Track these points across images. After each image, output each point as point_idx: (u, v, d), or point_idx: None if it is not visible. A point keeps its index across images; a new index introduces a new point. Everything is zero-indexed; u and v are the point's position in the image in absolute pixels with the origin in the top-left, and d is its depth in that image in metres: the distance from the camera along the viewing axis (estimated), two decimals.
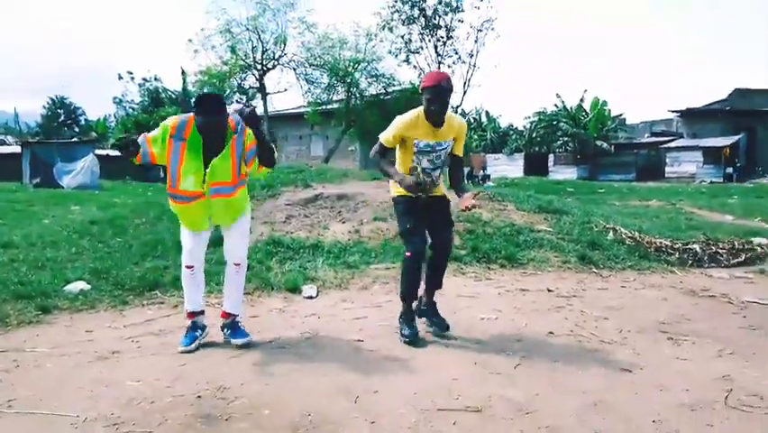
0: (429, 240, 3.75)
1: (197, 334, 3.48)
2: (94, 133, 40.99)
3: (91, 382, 2.86)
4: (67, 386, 2.80)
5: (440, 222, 3.77)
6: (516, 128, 43.33)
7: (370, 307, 4.46)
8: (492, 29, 22.99)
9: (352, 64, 21.40)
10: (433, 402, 2.63)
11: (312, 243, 6.14)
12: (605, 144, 33.81)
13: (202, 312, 3.60)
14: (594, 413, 2.56)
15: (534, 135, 39.62)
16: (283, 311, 4.36)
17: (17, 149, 28.61)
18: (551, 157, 35.95)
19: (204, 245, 3.57)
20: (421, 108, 3.55)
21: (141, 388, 2.78)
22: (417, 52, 23.04)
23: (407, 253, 3.65)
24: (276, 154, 3.54)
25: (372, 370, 3.09)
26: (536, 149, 38.68)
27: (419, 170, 3.58)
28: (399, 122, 3.56)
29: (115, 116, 45.18)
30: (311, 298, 4.73)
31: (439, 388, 2.81)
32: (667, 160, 31.59)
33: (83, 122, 49.68)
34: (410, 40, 22.93)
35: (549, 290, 5.03)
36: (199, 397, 2.66)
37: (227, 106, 3.25)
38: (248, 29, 21.34)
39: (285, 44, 21.56)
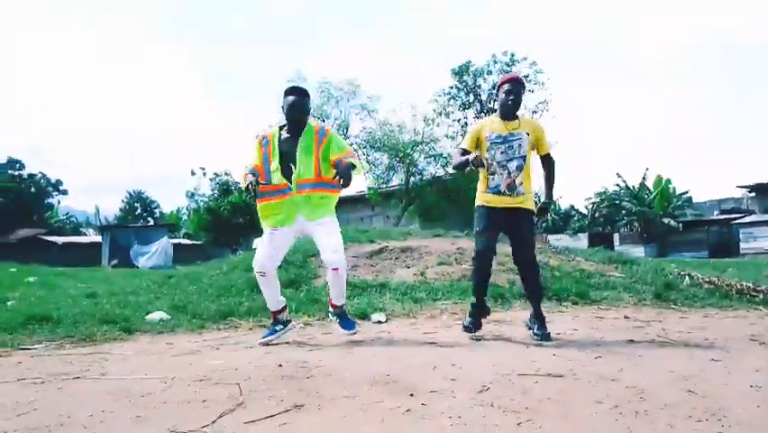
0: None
1: (278, 328, 3.68)
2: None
3: (175, 363, 2.98)
4: (153, 367, 2.91)
5: (518, 239, 3.88)
6: (578, 209, 42.66)
7: (441, 328, 4.43)
8: (547, 110, 23.36)
9: (410, 146, 22.14)
10: (512, 370, 2.57)
11: (379, 282, 6.22)
12: (672, 222, 32.59)
13: (284, 308, 3.79)
14: (685, 381, 2.43)
15: (596, 216, 38.86)
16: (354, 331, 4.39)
17: (97, 238, 30.55)
18: (616, 236, 34.94)
19: (278, 252, 3.69)
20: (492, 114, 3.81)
21: (224, 362, 2.87)
22: None
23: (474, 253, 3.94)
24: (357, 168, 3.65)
25: (449, 353, 3.07)
26: (599, 229, 37.79)
27: (495, 165, 3.73)
28: (472, 126, 3.83)
29: (187, 209, 47.61)
30: (380, 322, 4.75)
31: (518, 362, 2.76)
32: (741, 236, 30.13)
33: (157, 214, 52.59)
34: (466, 123, 23.59)
35: (626, 317, 4.85)
36: (280, 366, 2.72)
37: None
38: (313, 116, 22.65)
39: (347, 129, 22.67)
